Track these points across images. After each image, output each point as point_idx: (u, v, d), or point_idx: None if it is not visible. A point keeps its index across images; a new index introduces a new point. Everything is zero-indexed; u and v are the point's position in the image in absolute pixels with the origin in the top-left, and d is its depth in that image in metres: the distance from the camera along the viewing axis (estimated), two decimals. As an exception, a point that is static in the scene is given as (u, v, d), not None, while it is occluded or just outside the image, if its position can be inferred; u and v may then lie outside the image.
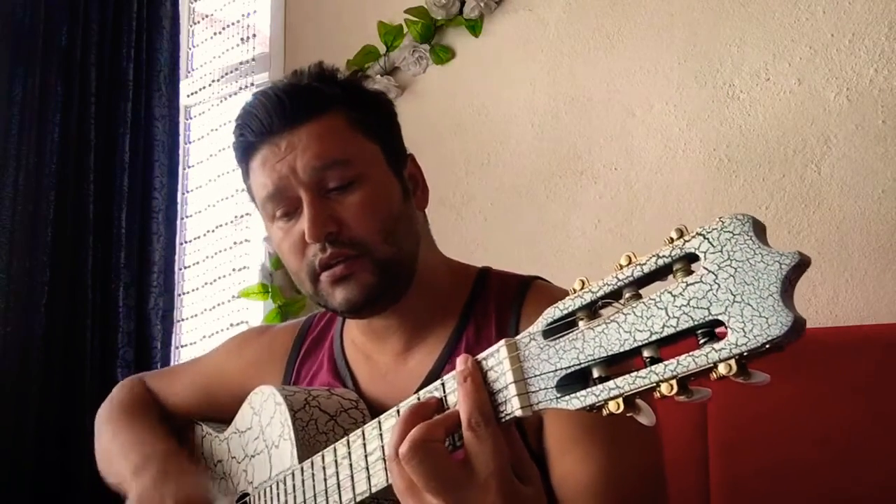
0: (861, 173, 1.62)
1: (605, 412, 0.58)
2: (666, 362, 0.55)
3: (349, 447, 0.83)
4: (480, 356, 0.68)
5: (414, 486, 0.69)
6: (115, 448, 1.19)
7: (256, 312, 2.45)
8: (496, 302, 1.04)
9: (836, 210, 1.63)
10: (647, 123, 1.89)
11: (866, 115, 1.62)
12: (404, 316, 1.04)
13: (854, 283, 1.60)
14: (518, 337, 0.65)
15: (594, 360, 0.58)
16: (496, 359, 0.66)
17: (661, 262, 0.55)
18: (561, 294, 1.05)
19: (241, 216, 2.58)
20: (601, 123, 1.95)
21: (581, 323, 0.60)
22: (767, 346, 0.50)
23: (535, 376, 0.63)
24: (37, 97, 2.30)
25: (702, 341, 0.53)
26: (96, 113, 2.40)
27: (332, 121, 1.00)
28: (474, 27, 2.17)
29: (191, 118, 2.76)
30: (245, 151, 1.02)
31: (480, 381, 0.68)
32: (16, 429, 2.15)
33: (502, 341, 0.65)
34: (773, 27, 1.74)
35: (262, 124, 0.99)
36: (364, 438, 0.81)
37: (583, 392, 0.59)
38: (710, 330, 0.53)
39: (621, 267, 0.57)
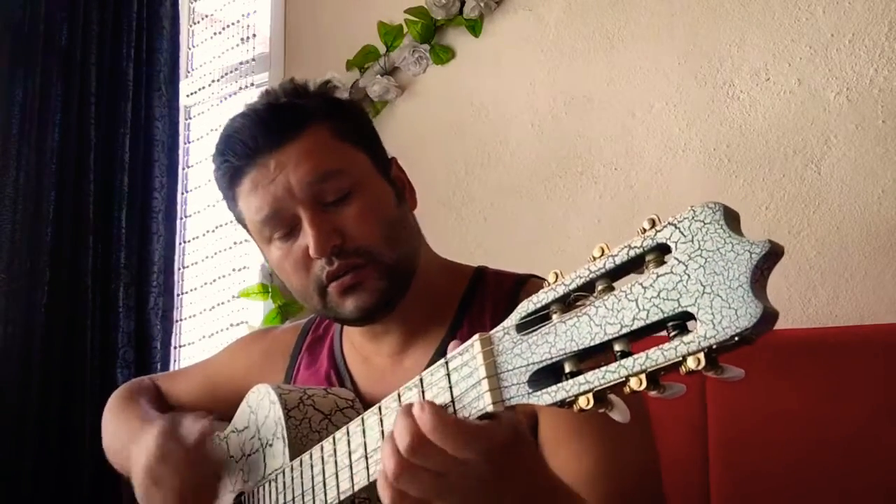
0: (861, 173, 1.62)
1: (575, 408, 0.57)
2: (635, 356, 0.53)
3: (335, 444, 0.82)
4: (454, 352, 0.67)
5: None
6: (117, 433, 1.19)
7: (256, 312, 2.45)
8: (491, 300, 1.05)
9: (836, 210, 1.63)
10: (647, 123, 1.88)
11: (866, 115, 1.62)
12: (400, 317, 1.04)
13: (854, 283, 1.60)
14: (492, 331, 0.63)
15: (566, 354, 0.57)
16: (470, 353, 0.65)
17: (632, 252, 0.53)
18: None
19: (241, 216, 2.57)
20: (601, 123, 1.95)
21: (554, 316, 0.58)
22: (737, 338, 0.48)
23: (508, 371, 0.61)
24: (37, 97, 2.30)
25: (672, 334, 0.51)
26: (96, 113, 2.40)
27: (316, 135, 0.99)
28: (474, 27, 2.17)
29: (191, 118, 2.76)
30: (231, 177, 1.00)
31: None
32: (16, 429, 2.15)
33: (476, 336, 0.64)
34: (773, 27, 1.74)
35: (247, 147, 0.98)
36: (349, 436, 0.80)
37: (553, 387, 0.57)
38: (682, 323, 0.51)
39: (594, 259, 0.56)
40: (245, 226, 1.05)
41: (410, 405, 0.67)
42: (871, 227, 1.60)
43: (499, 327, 0.63)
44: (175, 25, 2.62)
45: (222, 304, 2.56)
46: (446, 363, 0.68)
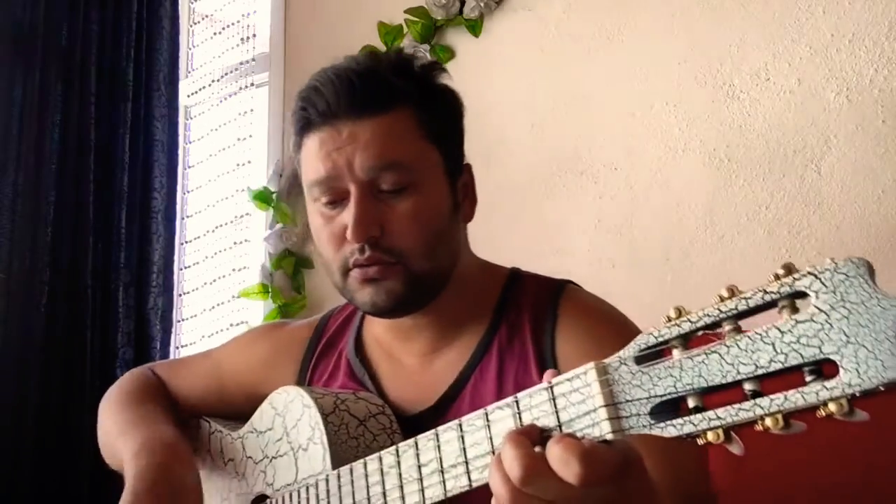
0: (861, 173, 1.62)
1: (701, 441, 0.59)
2: (772, 396, 0.55)
3: (398, 456, 0.81)
4: (561, 377, 0.67)
5: None
6: (114, 428, 1.14)
7: (256, 312, 2.45)
8: (530, 305, 1.02)
9: (836, 210, 1.63)
10: (647, 123, 1.88)
11: (866, 115, 1.62)
12: (434, 316, 1.02)
13: (854, 283, 1.60)
14: (607, 361, 0.64)
15: (692, 389, 0.58)
16: (583, 381, 0.65)
17: (767, 297, 0.55)
18: (593, 299, 1.05)
19: (241, 216, 2.58)
20: (601, 123, 1.95)
21: (676, 352, 0.60)
22: (882, 388, 0.51)
23: (627, 401, 0.62)
24: (37, 98, 2.31)
25: (809, 379, 0.54)
26: (96, 113, 2.40)
27: (399, 119, 0.97)
28: (474, 27, 2.17)
29: (191, 118, 2.76)
30: (303, 127, 0.98)
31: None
32: (16, 429, 2.15)
33: (591, 364, 0.64)
34: (773, 27, 1.74)
35: (328, 105, 0.95)
36: (417, 449, 0.79)
37: (678, 420, 0.59)
38: (818, 368, 0.53)
39: (722, 299, 0.57)
40: (300, 175, 1.02)
41: (521, 432, 0.66)
42: (871, 227, 1.59)
43: (614, 357, 0.63)
44: (175, 25, 2.62)
45: (222, 304, 2.56)
46: (551, 387, 0.68)
